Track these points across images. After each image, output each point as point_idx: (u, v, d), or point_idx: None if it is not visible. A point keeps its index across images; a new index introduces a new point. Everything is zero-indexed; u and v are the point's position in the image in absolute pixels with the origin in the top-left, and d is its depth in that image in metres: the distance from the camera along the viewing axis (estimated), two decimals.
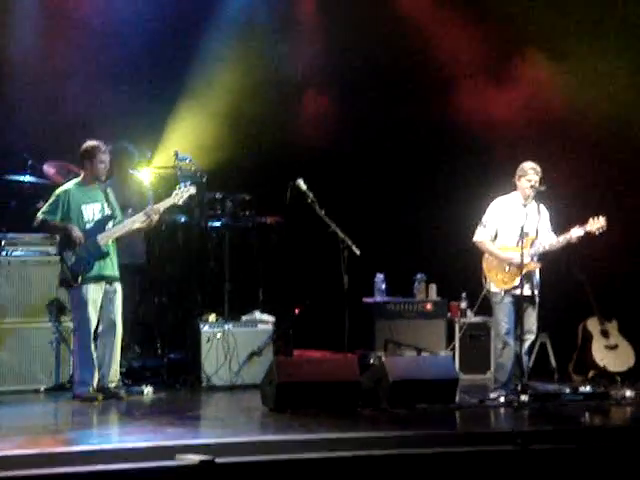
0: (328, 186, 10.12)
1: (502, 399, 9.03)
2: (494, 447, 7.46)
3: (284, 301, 10.58)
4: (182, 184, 9.47)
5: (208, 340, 9.81)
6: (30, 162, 10.22)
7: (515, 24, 11.38)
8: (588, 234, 9.17)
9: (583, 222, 9.18)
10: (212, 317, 9.97)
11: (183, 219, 10.27)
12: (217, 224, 10.37)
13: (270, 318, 10.12)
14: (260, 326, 10.05)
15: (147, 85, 11.33)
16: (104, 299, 9.07)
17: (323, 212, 9.29)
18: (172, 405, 9.04)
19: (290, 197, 9.36)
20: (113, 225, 9.18)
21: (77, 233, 8.99)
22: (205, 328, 9.86)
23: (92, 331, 8.99)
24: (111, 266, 9.12)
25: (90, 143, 9.16)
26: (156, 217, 9.23)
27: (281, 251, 10.54)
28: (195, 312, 10.08)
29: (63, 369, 9.47)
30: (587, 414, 8.75)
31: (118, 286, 9.16)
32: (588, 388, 9.48)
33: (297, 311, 10.63)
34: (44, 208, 9.14)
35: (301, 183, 9.40)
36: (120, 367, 9.27)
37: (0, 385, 9.37)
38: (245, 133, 11.37)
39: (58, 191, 9.18)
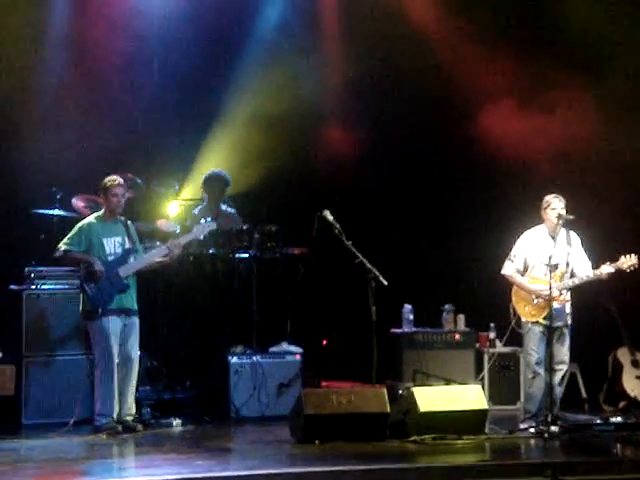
0: (355, 217, 10.13)
1: (532, 430, 8.96)
2: (524, 478, 7.40)
3: (312, 332, 10.58)
4: (204, 219, 9.59)
5: (236, 372, 9.83)
6: (59, 196, 10.28)
7: (548, 51, 11.32)
8: (618, 271, 9.10)
9: (614, 259, 9.12)
10: (240, 348, 9.99)
11: (211, 251, 10.30)
12: (245, 255, 10.39)
13: (298, 349, 10.12)
14: (288, 357, 10.06)
15: (176, 119, 11.42)
16: (121, 332, 9.08)
17: (350, 243, 9.28)
18: (201, 437, 9.02)
19: (317, 228, 9.36)
20: (134, 259, 9.23)
21: (99, 266, 9.02)
22: (233, 360, 9.88)
23: (114, 363, 8.99)
24: (131, 299, 9.16)
25: (107, 178, 9.24)
26: (177, 251, 9.28)
27: (308, 282, 10.54)
28: (223, 343, 10.09)
29: (93, 401, 9.42)
30: (618, 445, 8.65)
31: (136, 320, 9.18)
32: (619, 419, 9.41)
33: (325, 342, 10.62)
34: (66, 239, 9.17)
35: (328, 214, 9.39)
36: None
37: (30, 418, 9.43)
38: (272, 164, 11.40)
39: (80, 224, 9.25)
